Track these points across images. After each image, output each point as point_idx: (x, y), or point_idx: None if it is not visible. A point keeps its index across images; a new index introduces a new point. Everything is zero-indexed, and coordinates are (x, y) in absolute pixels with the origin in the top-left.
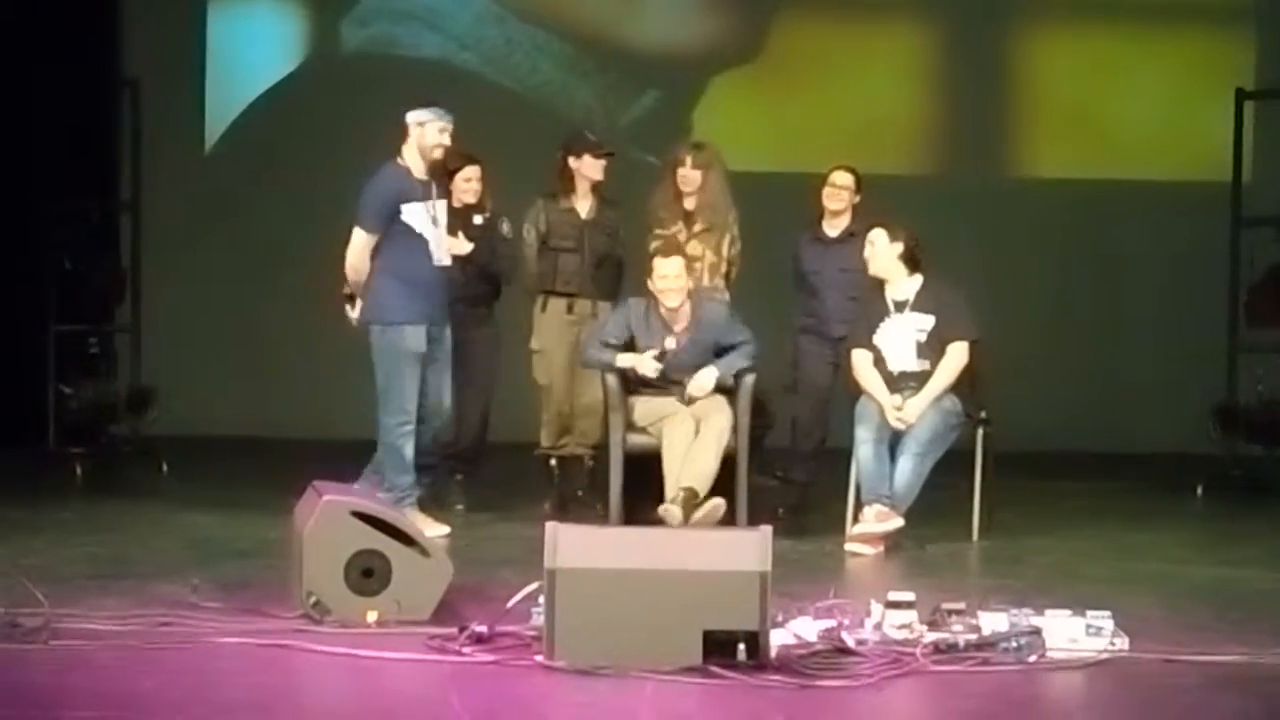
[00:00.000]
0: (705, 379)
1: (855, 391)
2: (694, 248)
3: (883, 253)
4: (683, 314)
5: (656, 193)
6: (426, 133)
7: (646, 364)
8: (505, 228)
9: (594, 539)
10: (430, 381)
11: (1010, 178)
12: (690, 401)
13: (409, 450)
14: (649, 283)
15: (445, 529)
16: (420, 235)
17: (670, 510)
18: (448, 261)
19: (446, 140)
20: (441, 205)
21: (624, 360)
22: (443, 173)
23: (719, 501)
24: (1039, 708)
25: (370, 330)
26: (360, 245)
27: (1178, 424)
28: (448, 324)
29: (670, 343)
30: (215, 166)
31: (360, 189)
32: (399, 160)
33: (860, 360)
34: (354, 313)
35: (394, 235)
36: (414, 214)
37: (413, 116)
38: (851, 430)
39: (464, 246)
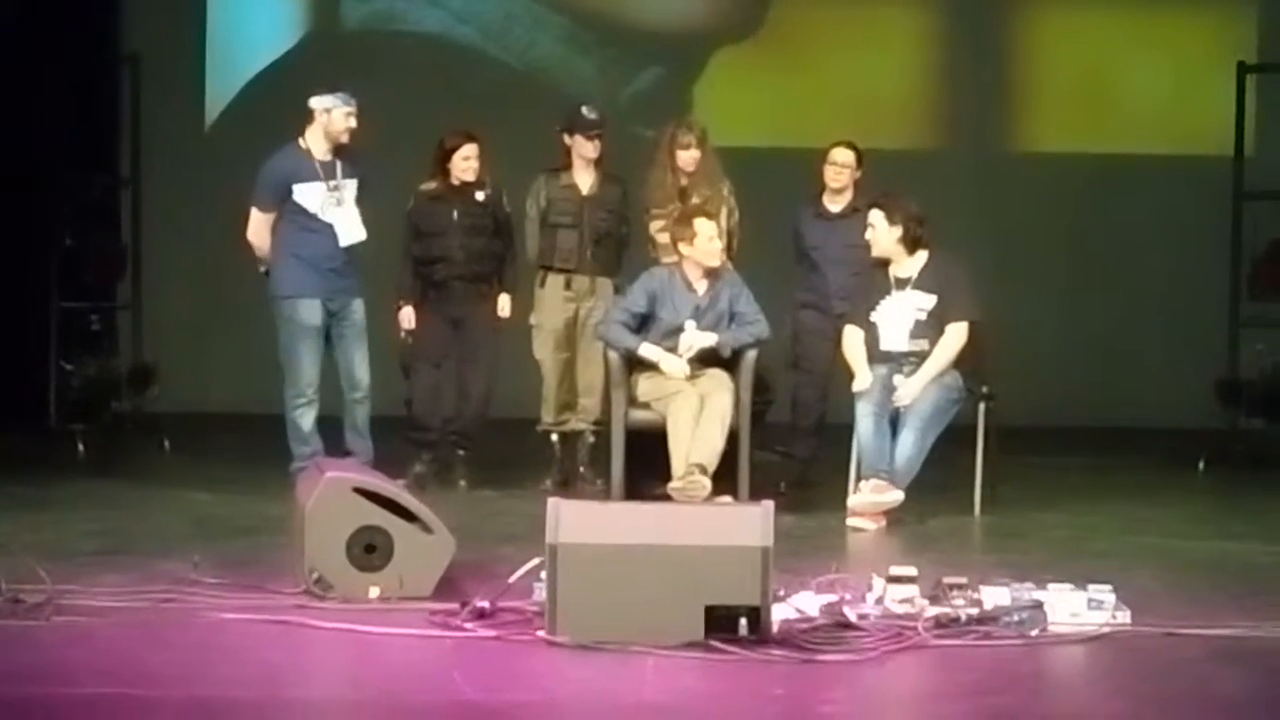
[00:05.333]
0: (697, 339)
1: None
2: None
3: (883, 237)
4: (704, 281)
5: (651, 172)
6: (333, 119)
7: (673, 366)
8: (505, 206)
9: (596, 514)
10: (339, 355)
11: (1012, 152)
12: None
13: (305, 422)
14: (681, 247)
15: None
16: (314, 215)
17: (699, 481)
18: (356, 239)
19: (353, 123)
20: (351, 185)
21: (648, 354)
22: (439, 155)
23: (726, 498)
24: (1041, 681)
25: (273, 305)
26: (255, 222)
27: (1180, 398)
28: (356, 298)
29: (687, 341)
30: (216, 143)
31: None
32: (299, 142)
33: (849, 336)
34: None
35: (289, 214)
36: (308, 194)
37: (317, 103)
38: (852, 405)
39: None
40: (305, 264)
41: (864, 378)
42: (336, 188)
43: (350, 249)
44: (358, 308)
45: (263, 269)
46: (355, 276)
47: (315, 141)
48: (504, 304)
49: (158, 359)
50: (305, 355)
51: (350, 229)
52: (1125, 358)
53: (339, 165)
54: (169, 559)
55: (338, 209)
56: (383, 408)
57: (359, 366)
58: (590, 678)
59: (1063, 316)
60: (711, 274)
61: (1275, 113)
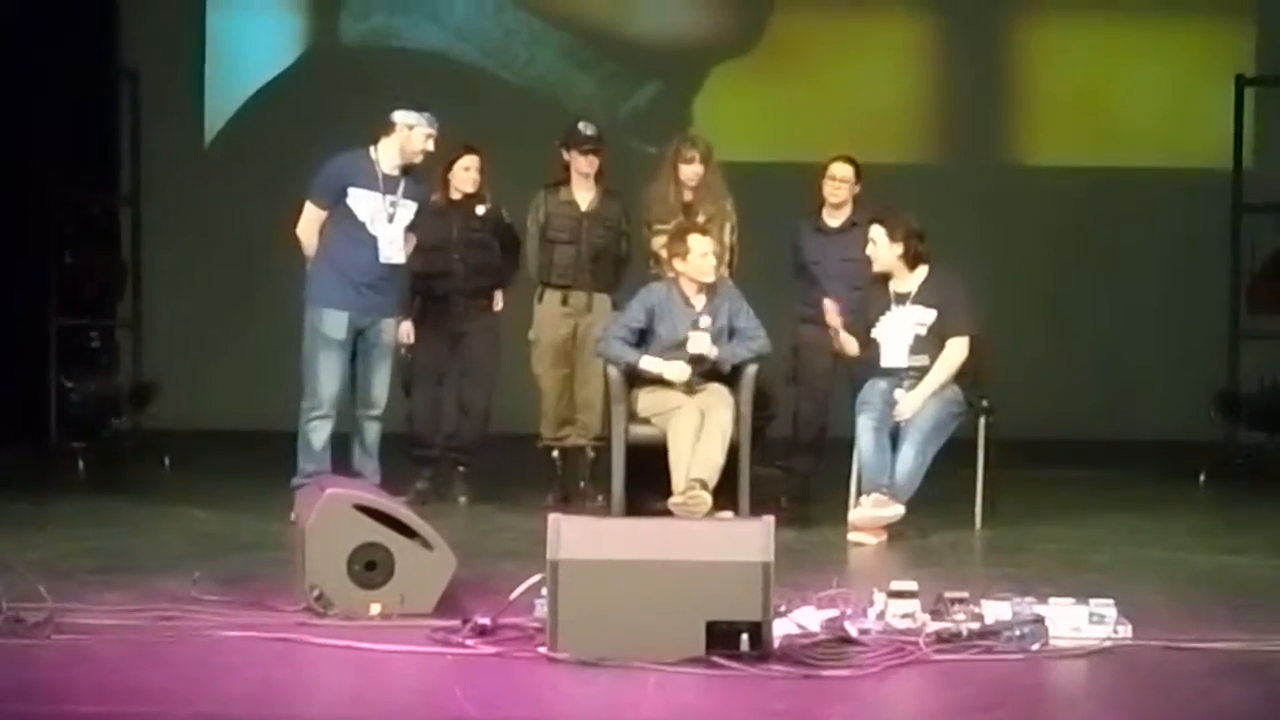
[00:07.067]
0: (702, 344)
1: (855, 381)
2: None
3: (884, 253)
4: (702, 296)
5: (652, 187)
6: (414, 137)
7: (676, 371)
8: (506, 217)
9: (596, 530)
10: (360, 371)
11: (1010, 166)
12: (691, 360)
13: (317, 438)
14: (675, 263)
15: None
16: (363, 225)
17: (700, 496)
18: (398, 259)
19: (430, 146)
20: (409, 208)
21: (649, 366)
22: (441, 168)
23: (726, 513)
24: (1042, 696)
25: (305, 310)
26: (307, 216)
27: (1180, 411)
28: (389, 318)
29: (697, 345)
30: (215, 159)
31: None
32: (369, 150)
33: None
34: None
35: (338, 218)
36: (362, 201)
37: (403, 118)
38: (853, 420)
39: None
40: (339, 275)
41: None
42: (393, 204)
43: (392, 268)
44: (387, 327)
45: (310, 268)
46: (391, 295)
47: (386, 154)
48: (497, 298)
49: (158, 376)
50: (324, 367)
51: (392, 248)
52: (1125, 371)
53: (402, 184)
54: (169, 576)
55: (388, 225)
56: (384, 425)
57: (377, 385)
58: (592, 694)
59: (1062, 330)
60: (709, 289)
61: (1274, 125)
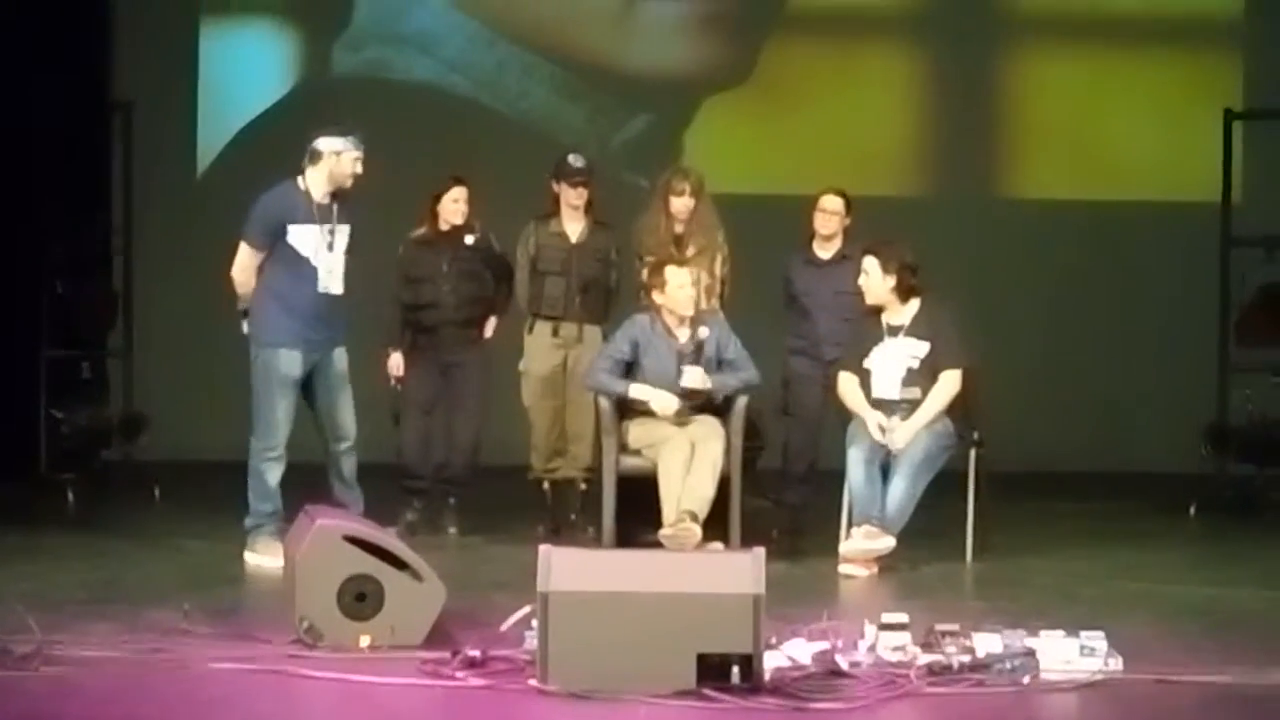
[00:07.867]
0: (698, 379)
1: (845, 414)
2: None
3: (876, 285)
4: (685, 329)
5: (643, 219)
6: (343, 161)
7: (664, 402)
8: (495, 245)
9: (587, 562)
10: (323, 405)
11: (1000, 199)
12: (684, 395)
13: (272, 477)
14: (654, 296)
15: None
16: (305, 259)
17: (690, 528)
18: (337, 290)
19: (359, 169)
20: (344, 230)
21: (639, 394)
22: (429, 200)
23: (717, 545)
24: None
25: (251, 349)
26: (243, 259)
27: (1170, 444)
28: (338, 346)
29: (691, 379)
30: (207, 191)
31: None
32: (298, 181)
33: (846, 383)
34: (246, 328)
35: (278, 255)
36: (302, 236)
37: (328, 144)
38: (844, 452)
39: None
40: (289, 311)
41: (872, 418)
42: (331, 232)
43: (338, 297)
44: (339, 356)
45: (241, 307)
46: (339, 325)
47: (316, 183)
48: (489, 325)
49: (148, 407)
50: (281, 408)
51: (331, 278)
52: (1115, 403)
53: (335, 209)
54: (159, 608)
55: (329, 254)
56: (371, 455)
57: (345, 416)
58: None
59: (1053, 362)
60: (692, 321)
61: (1262, 160)
